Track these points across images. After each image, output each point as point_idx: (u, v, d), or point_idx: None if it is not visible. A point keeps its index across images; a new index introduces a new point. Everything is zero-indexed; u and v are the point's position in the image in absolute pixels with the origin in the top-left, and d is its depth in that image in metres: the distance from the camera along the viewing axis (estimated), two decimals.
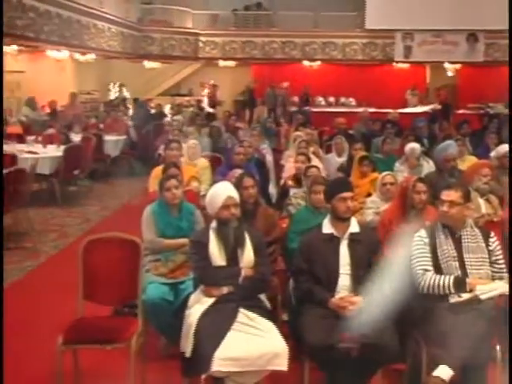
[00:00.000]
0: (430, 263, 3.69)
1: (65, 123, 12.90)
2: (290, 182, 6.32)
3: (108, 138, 12.01)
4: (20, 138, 10.53)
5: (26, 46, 15.10)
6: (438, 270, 3.68)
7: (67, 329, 3.70)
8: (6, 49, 14.71)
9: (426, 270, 3.67)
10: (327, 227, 3.89)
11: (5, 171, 6.91)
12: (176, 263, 4.43)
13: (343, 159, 7.98)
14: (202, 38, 22.93)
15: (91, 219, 8.69)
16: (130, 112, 17.78)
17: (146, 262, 4.29)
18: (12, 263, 6.51)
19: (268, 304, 3.81)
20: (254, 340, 3.40)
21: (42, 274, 6.28)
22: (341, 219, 3.86)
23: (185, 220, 4.55)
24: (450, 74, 21.28)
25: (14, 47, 14.75)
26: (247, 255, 3.74)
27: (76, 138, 11.31)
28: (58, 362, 3.54)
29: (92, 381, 3.98)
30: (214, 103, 21.32)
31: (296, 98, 20.51)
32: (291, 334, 3.83)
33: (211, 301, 3.62)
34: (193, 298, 3.77)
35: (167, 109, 18.61)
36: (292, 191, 6.01)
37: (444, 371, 3.30)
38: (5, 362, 4.15)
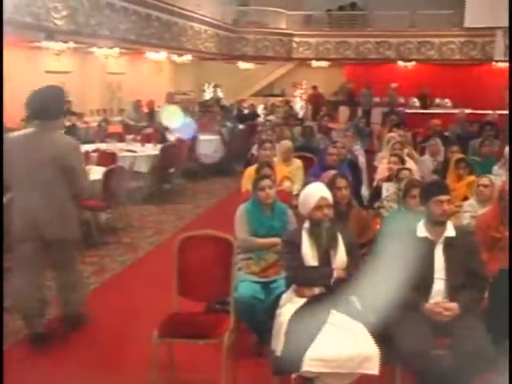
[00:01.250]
0: None
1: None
2: (383, 184, 6.21)
3: (202, 137, 12.24)
4: (120, 137, 10.91)
5: (127, 48, 15.64)
6: None
7: (162, 323, 3.80)
8: (108, 51, 15.32)
9: None
10: (422, 230, 3.80)
11: (105, 168, 7.20)
12: (268, 262, 4.46)
13: (438, 161, 7.77)
14: (296, 39, 22.96)
15: (185, 217, 8.89)
16: (224, 112, 18.05)
17: (238, 260, 4.34)
18: (111, 257, 6.76)
19: (359, 306, 3.76)
20: (345, 342, 3.37)
21: (140, 269, 6.49)
22: (436, 223, 3.75)
23: (277, 219, 4.58)
24: None
25: (116, 50, 15.29)
26: (340, 256, 3.72)
27: (172, 137, 11.61)
28: (153, 354, 3.65)
29: (185, 373, 4.08)
30: (318, 104, 21.07)
31: (402, 99, 20.15)
32: (382, 337, 3.77)
33: (303, 301, 3.62)
34: (284, 297, 3.78)
35: (260, 109, 18.76)
36: (384, 189, 5.92)
37: None
38: (106, 349, 4.34)
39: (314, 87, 22.23)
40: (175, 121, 12.14)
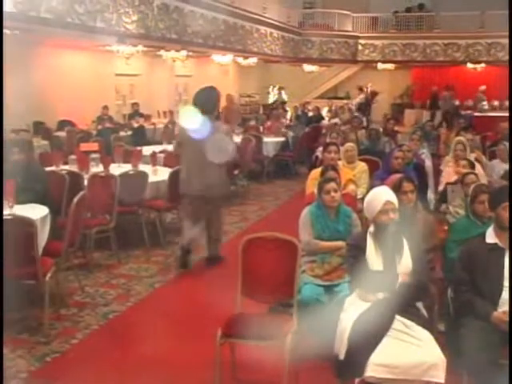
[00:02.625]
0: None
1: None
2: (450, 188, 6.07)
3: (267, 139, 12.27)
4: None
5: (194, 51, 15.85)
6: None
7: (226, 323, 3.83)
8: (175, 54, 15.56)
9: None
10: (491, 237, 3.70)
11: (171, 170, 7.30)
12: (332, 265, 4.44)
13: (508, 166, 7.54)
14: (362, 41, 22.78)
15: (249, 218, 8.94)
16: (288, 115, 18.06)
17: (302, 263, 4.33)
18: (175, 256, 6.84)
19: (425, 313, 3.69)
20: (410, 348, 3.31)
21: (204, 269, 6.54)
22: (506, 229, 3.64)
23: (342, 223, 4.55)
24: None
25: (184, 53, 15.51)
26: (405, 261, 3.66)
27: (237, 138, 11.69)
28: (217, 353, 3.68)
29: (248, 374, 4.09)
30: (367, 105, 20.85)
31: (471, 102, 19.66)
32: (448, 345, 3.69)
33: (367, 305, 3.58)
34: (348, 301, 3.75)
35: (324, 111, 18.67)
36: (450, 194, 5.78)
37: None
38: (170, 347, 4.41)
39: (373, 92, 21.90)
40: (193, 121, 12.19)
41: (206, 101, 6.23)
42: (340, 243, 4.40)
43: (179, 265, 6.45)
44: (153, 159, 7.96)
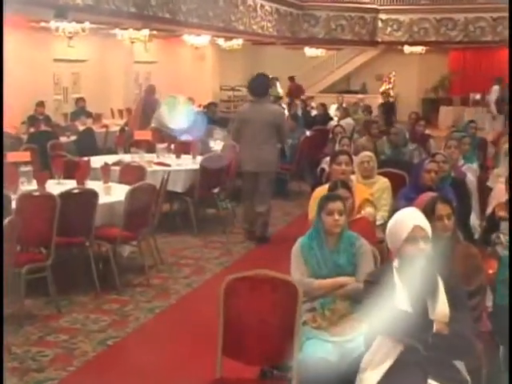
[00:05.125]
0: None
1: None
2: (502, 213, 6.13)
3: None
4: (149, 146, 11.05)
5: (158, 30, 15.90)
6: None
7: None
8: (134, 34, 15.63)
9: None
10: None
11: (130, 187, 7.34)
12: (336, 313, 4.46)
13: None
14: (382, 16, 22.90)
15: (233, 251, 8.97)
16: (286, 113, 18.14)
17: (303, 312, 4.36)
18: (135, 303, 6.87)
19: (467, 377, 3.72)
20: None
21: (173, 319, 6.57)
22: None
23: (344, 254, 4.58)
24: None
25: (145, 32, 15.55)
26: (440, 306, 3.68)
27: (217, 146, 11.73)
28: None
29: None
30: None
31: None
32: None
33: (390, 362, 3.61)
34: (366, 359, 3.77)
35: (333, 110, 18.79)
36: (503, 225, 5.83)
37: None
38: None
39: (291, 78, 22.02)
40: (179, 119, 12.30)
41: (258, 85, 9.44)
42: (342, 279, 4.45)
43: (256, 240, 9.37)
44: (105, 173, 7.99)
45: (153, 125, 13.14)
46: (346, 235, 4.66)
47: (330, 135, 12.82)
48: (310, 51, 24.05)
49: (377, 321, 3.75)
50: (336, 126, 12.91)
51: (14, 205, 6.63)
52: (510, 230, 3.76)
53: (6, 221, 5.30)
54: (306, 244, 4.65)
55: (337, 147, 9.37)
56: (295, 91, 21.98)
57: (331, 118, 17.21)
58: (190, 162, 10.24)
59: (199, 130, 11.79)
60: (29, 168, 8.15)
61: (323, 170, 8.81)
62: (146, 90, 15.04)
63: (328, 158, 7.88)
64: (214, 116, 15.34)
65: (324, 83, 25.25)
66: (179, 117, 12.61)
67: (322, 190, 6.09)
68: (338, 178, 6.30)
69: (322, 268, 4.57)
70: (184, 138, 11.83)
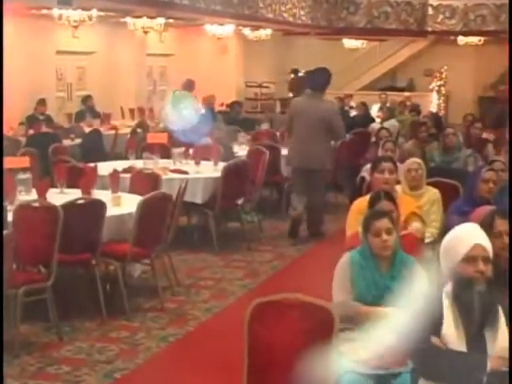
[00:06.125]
0: None
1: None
2: None
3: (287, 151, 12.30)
4: (164, 151, 11.05)
5: (176, 18, 15.93)
6: None
7: None
8: (148, 22, 15.68)
9: None
10: None
11: (142, 197, 7.35)
12: (383, 344, 4.44)
13: None
14: (433, 2, 22.81)
15: (260, 271, 8.96)
16: None
17: (340, 341, 4.34)
18: (146, 330, 6.87)
19: None
20: None
21: (189, 349, 6.56)
22: None
23: (398, 278, 4.57)
24: None
25: (160, 20, 15.58)
26: (501, 339, 3.65)
27: (241, 151, 11.72)
28: None
29: None
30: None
31: None
32: None
33: None
34: None
35: (375, 110, 18.74)
36: None
37: None
38: None
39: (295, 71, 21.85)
40: (181, 119, 12.31)
41: (315, 80, 10.42)
42: (388, 310, 4.43)
43: (288, 233, 10.38)
44: (113, 182, 8.02)
45: (161, 125, 13.20)
46: (400, 256, 4.65)
47: (373, 139, 12.81)
48: (348, 43, 24.07)
49: (419, 363, 3.72)
50: (380, 128, 12.88)
51: (10, 217, 6.67)
52: (511, 230, 3.74)
53: (1, 236, 5.33)
54: (357, 261, 4.65)
55: (379, 153, 9.34)
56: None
57: (373, 120, 17.17)
58: (210, 170, 10.21)
59: (201, 132, 11.77)
60: (27, 175, 8.16)
61: (363, 178, 8.78)
62: (183, 85, 14.88)
63: (369, 166, 7.87)
64: (237, 116, 15.38)
65: (365, 79, 25.22)
66: (180, 116, 12.61)
67: (362, 202, 6.09)
68: (380, 188, 6.28)
69: (372, 291, 4.58)
70: (204, 141, 11.80)
